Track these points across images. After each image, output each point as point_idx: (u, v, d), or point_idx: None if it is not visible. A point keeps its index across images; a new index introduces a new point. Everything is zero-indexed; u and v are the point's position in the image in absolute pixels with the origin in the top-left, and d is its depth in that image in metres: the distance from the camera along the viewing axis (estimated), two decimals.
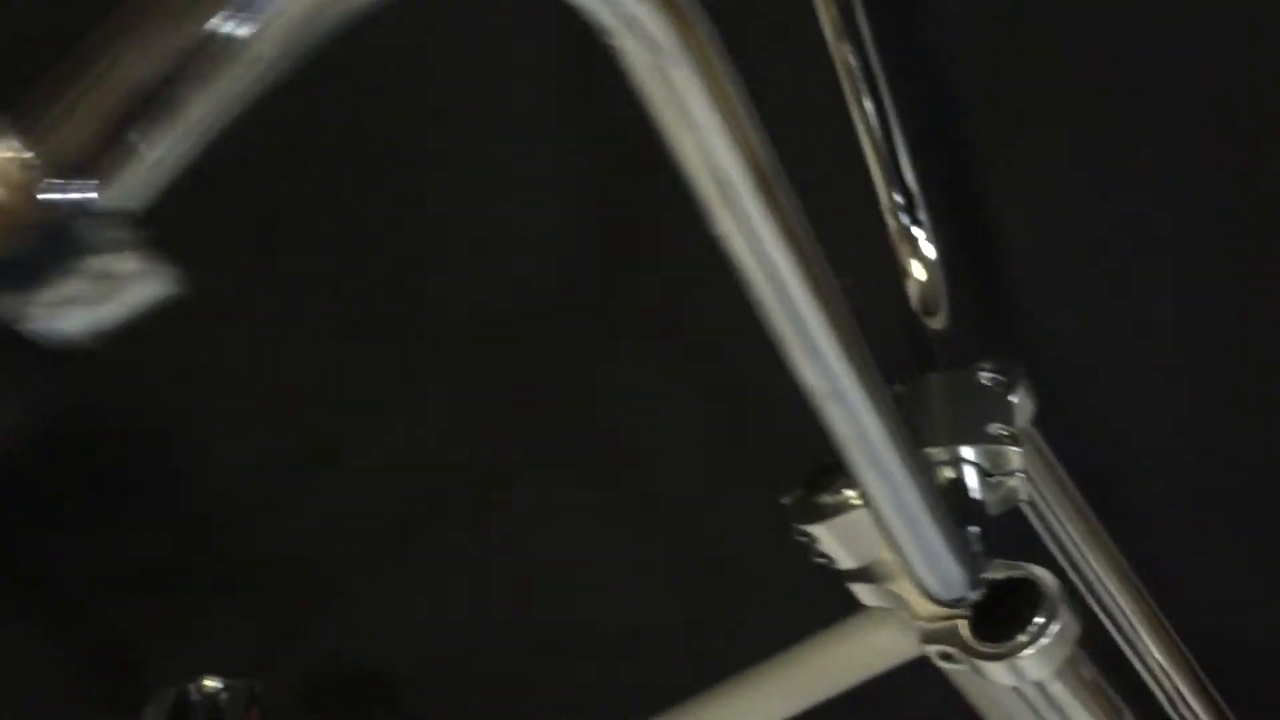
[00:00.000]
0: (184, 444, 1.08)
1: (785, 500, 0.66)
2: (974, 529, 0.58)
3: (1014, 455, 0.61)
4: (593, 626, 1.13)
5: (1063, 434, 0.72)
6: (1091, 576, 0.74)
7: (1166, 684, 0.77)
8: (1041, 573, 0.59)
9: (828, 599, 0.65)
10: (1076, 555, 0.74)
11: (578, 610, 1.13)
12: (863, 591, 0.66)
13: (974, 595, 0.58)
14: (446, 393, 1.04)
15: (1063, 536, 0.73)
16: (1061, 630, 0.58)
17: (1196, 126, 0.78)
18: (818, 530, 0.65)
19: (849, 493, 0.64)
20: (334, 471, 1.09)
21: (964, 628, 0.59)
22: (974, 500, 0.61)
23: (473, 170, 0.92)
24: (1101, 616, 0.76)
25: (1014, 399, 0.68)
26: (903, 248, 0.68)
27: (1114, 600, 0.75)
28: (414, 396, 1.05)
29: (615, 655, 1.13)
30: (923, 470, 0.53)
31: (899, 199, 0.68)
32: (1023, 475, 0.62)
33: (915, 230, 0.68)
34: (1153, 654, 0.77)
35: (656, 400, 1.04)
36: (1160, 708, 0.79)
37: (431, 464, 1.09)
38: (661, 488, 1.08)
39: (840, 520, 0.63)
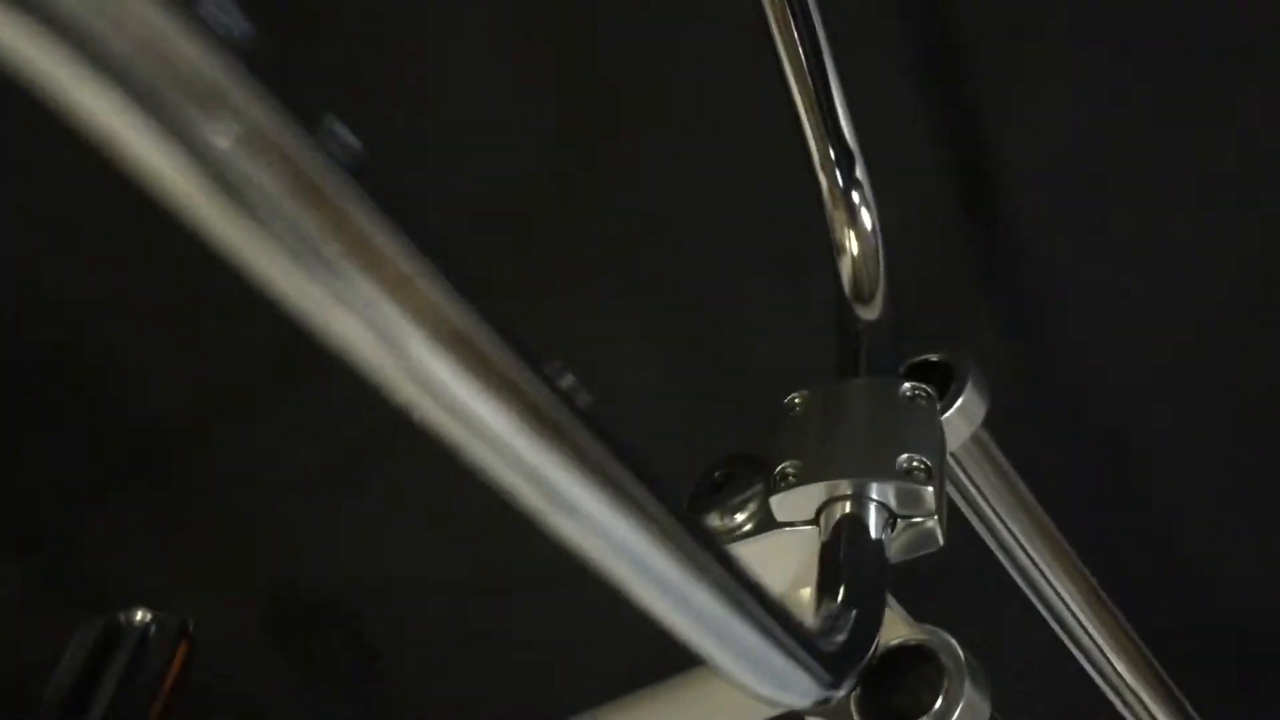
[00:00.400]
0: (130, 363, 1.02)
1: None
2: (836, 610, 0.48)
3: (927, 495, 0.51)
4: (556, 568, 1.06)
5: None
6: (1050, 593, 0.64)
7: (1136, 706, 0.68)
8: (942, 643, 0.49)
9: None
10: (1033, 572, 0.63)
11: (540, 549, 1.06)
12: None
13: (840, 692, 0.48)
14: None
15: (1016, 551, 0.63)
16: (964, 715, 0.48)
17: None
18: None
19: (738, 516, 0.54)
20: (288, 393, 1.02)
21: (853, 707, 0.49)
22: (872, 543, 0.51)
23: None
24: (1063, 636, 0.66)
25: (950, 415, 0.57)
26: (835, 215, 0.56)
27: (1076, 618, 0.65)
28: None
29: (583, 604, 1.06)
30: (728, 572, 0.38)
31: (832, 153, 0.56)
32: (935, 519, 0.51)
33: (852, 194, 0.56)
34: (1120, 675, 0.66)
35: (624, 339, 0.96)
36: None
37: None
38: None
39: (743, 548, 0.54)
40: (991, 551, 0.63)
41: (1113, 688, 0.67)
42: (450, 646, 1.13)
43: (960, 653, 0.49)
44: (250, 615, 1.12)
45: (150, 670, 0.93)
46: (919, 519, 0.52)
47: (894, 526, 0.52)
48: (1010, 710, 0.66)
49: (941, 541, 0.52)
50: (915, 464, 0.51)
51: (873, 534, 0.51)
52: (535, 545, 1.11)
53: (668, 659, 0.95)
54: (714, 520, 0.55)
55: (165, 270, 0.93)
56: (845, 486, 0.51)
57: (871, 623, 0.49)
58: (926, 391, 0.54)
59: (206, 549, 1.10)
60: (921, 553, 0.53)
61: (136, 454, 1.06)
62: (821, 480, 0.52)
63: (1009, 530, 0.62)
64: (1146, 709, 0.67)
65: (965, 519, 0.62)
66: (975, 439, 0.60)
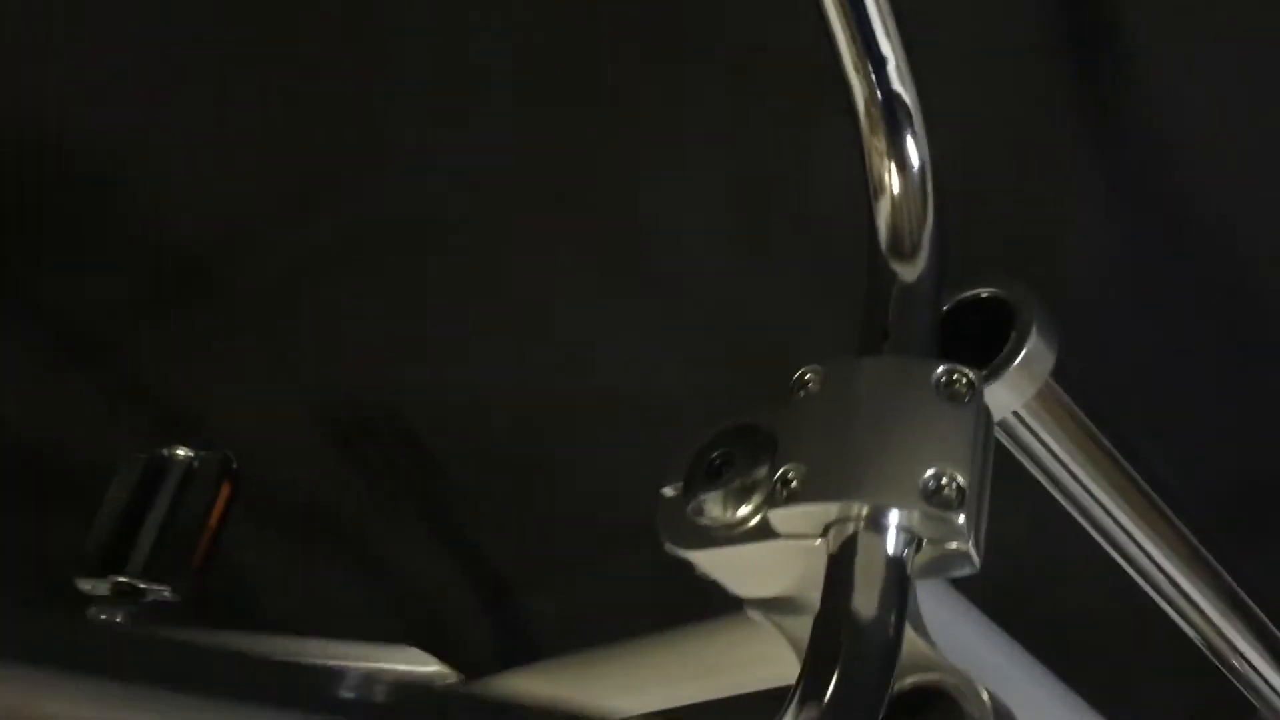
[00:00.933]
0: (164, 188, 0.96)
1: (665, 492, 0.49)
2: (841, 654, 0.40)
3: (958, 523, 0.41)
4: (610, 390, 1.00)
5: None
6: (1134, 551, 0.55)
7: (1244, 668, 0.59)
8: (968, 688, 0.41)
9: None
10: (1113, 530, 0.54)
11: (590, 374, 1.00)
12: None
13: None
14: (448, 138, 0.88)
15: (1094, 510, 0.53)
16: None
17: None
18: (699, 558, 0.47)
19: (742, 510, 0.46)
20: (325, 212, 0.96)
21: None
22: (888, 568, 0.42)
23: None
24: (1157, 599, 0.57)
25: (1009, 374, 0.47)
26: (872, 141, 0.45)
27: (1168, 578, 0.56)
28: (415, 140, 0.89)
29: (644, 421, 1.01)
30: None
31: (869, 56, 0.44)
32: (970, 546, 0.42)
33: (895, 111, 0.44)
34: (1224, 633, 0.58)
35: (679, 171, 0.86)
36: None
37: (431, 210, 0.94)
38: (685, 262, 0.91)
39: (741, 550, 0.46)
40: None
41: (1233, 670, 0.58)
42: (511, 458, 1.09)
43: (987, 701, 0.41)
44: (307, 426, 1.09)
45: (195, 507, 0.90)
46: (949, 544, 0.42)
47: (918, 546, 0.43)
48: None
49: (977, 566, 0.43)
50: (944, 482, 0.42)
51: (889, 552, 0.42)
52: (594, 362, 1.05)
53: None
54: (714, 511, 0.47)
55: (193, 97, 0.85)
56: (857, 508, 0.42)
57: (884, 664, 0.41)
58: (967, 377, 0.43)
59: (258, 364, 1.06)
60: (952, 575, 0.44)
61: (180, 274, 1.01)
62: (829, 500, 0.43)
63: (1090, 494, 0.52)
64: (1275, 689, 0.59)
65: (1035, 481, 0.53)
66: (1042, 391, 0.50)
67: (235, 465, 0.92)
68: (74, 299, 1.02)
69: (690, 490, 0.47)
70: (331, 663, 0.70)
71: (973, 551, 0.42)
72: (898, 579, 0.42)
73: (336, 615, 1.16)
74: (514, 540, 1.14)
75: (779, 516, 0.44)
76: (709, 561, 0.47)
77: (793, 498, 0.43)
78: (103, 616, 0.85)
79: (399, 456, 1.10)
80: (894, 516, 0.42)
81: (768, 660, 0.53)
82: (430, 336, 1.03)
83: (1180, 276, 0.82)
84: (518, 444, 1.08)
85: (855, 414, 0.44)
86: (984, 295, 0.50)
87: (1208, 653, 0.59)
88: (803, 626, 0.49)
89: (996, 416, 0.49)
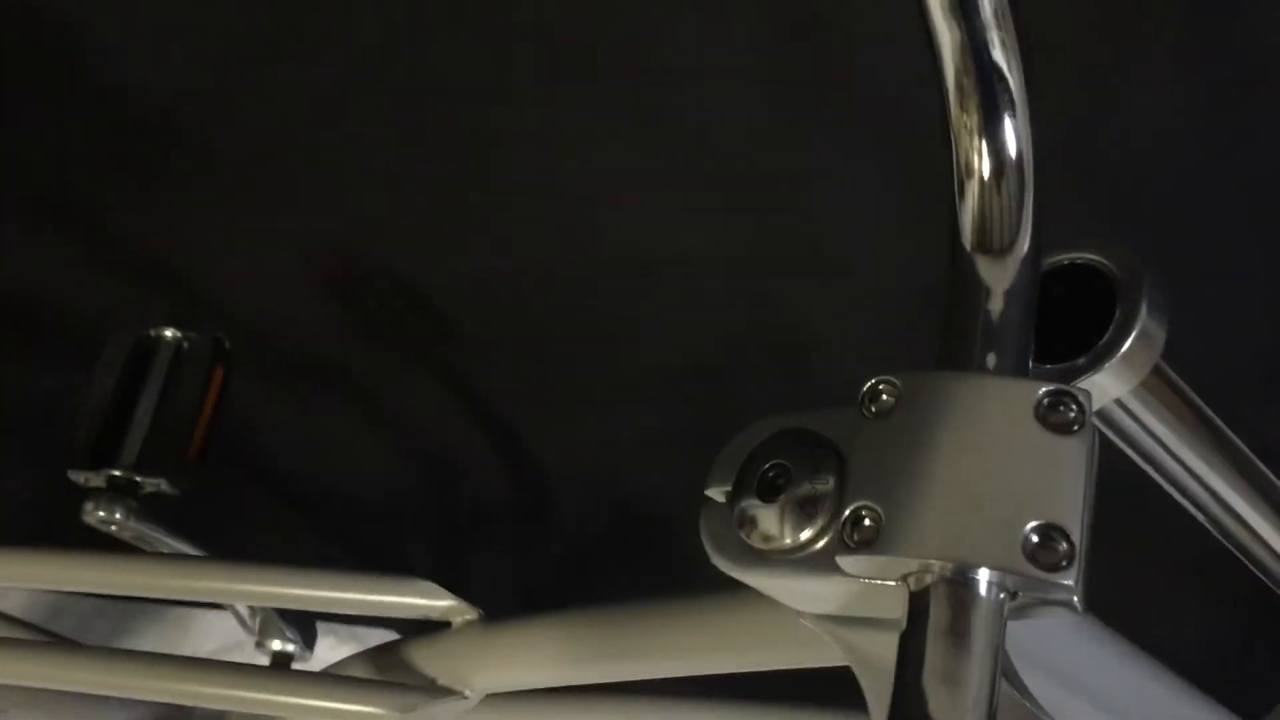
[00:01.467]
0: (132, 43, 0.87)
1: (709, 494, 0.42)
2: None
3: (1063, 582, 0.35)
4: (627, 246, 0.93)
5: None
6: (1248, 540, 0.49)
7: None
8: None
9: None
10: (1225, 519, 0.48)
11: (605, 229, 0.92)
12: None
13: None
14: None
15: (1204, 500, 0.47)
16: None
17: None
18: (751, 579, 0.41)
19: (804, 533, 0.39)
20: (313, 64, 0.87)
21: None
22: (985, 609, 0.36)
23: None
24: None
25: (1114, 363, 0.40)
26: (963, 121, 0.36)
27: None
28: None
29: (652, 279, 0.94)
30: None
31: (969, 25, 0.35)
32: (1074, 599, 0.36)
33: (995, 90, 0.36)
34: None
35: (704, 13, 0.77)
36: None
37: (431, 57, 0.85)
38: (709, 115, 0.82)
39: (809, 580, 0.40)
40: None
41: None
42: (523, 313, 1.03)
43: None
44: (307, 283, 1.02)
45: (188, 393, 0.84)
46: (1040, 603, 0.36)
47: (1014, 596, 0.37)
48: None
49: (1080, 611, 0.37)
50: (1053, 539, 0.35)
51: (981, 602, 0.36)
52: (609, 217, 0.97)
53: (745, 339, 0.85)
54: (768, 529, 0.40)
55: None
56: (943, 567, 0.36)
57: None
58: (1077, 403, 0.36)
59: (250, 220, 0.98)
60: (1047, 618, 0.38)
61: (161, 130, 0.92)
62: (911, 556, 0.36)
63: (1202, 483, 0.46)
64: None
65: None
66: (1157, 377, 0.43)
67: (228, 345, 0.86)
68: (47, 157, 0.94)
69: (740, 499, 0.41)
70: (342, 595, 0.65)
71: (1077, 604, 0.36)
72: (990, 627, 0.36)
73: (347, 470, 1.12)
74: (527, 394, 1.08)
75: (849, 562, 0.37)
76: (760, 583, 0.41)
77: (866, 545, 0.37)
78: (100, 513, 0.80)
79: (405, 312, 1.04)
80: (986, 575, 0.36)
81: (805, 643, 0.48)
82: (431, 191, 0.95)
83: None
84: (529, 300, 1.01)
85: (939, 444, 0.37)
86: (1076, 262, 0.43)
87: None
88: (865, 640, 0.44)
89: (1097, 406, 0.42)
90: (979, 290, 0.37)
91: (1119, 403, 0.43)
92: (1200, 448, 0.45)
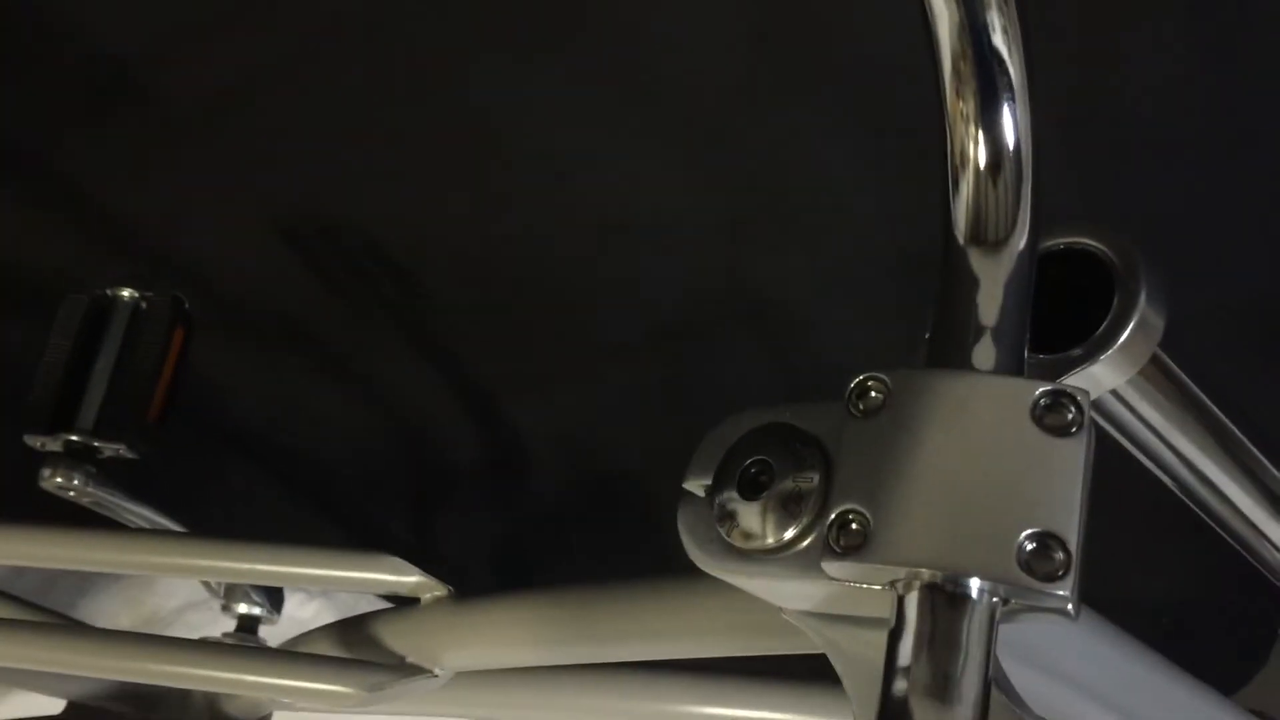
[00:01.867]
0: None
1: (688, 487, 0.41)
2: None
3: (1058, 592, 0.34)
4: (601, 207, 0.90)
5: None
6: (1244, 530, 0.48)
7: None
8: None
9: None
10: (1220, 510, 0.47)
11: (579, 190, 0.90)
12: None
13: None
14: None
15: (1199, 490, 0.46)
16: None
17: None
18: (731, 577, 0.40)
19: (788, 532, 0.38)
20: (273, 17, 0.84)
21: None
22: (975, 615, 0.35)
23: None
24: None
25: (1111, 354, 0.38)
26: (958, 108, 0.34)
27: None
28: None
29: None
30: None
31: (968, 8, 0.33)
32: (1069, 606, 0.34)
33: (994, 77, 0.34)
34: None
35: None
36: None
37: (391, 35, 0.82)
38: (688, 73, 0.79)
39: (792, 580, 0.38)
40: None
41: None
42: (493, 273, 1.00)
43: None
44: (270, 240, 1.00)
45: (147, 354, 0.82)
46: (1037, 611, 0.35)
47: (1006, 603, 0.35)
48: None
49: (1075, 619, 0.35)
50: (1047, 546, 0.34)
51: (971, 608, 0.35)
52: (583, 177, 0.95)
53: (721, 304, 0.84)
54: (749, 526, 0.39)
55: None
56: (933, 574, 0.34)
57: None
58: (1073, 401, 0.35)
59: (209, 176, 0.95)
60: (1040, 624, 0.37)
61: (115, 87, 0.89)
62: (900, 563, 0.35)
63: (1198, 473, 0.44)
64: None
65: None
66: (1155, 368, 0.41)
67: (188, 305, 0.83)
68: (3, 114, 0.91)
69: (720, 495, 0.39)
70: (307, 571, 0.63)
71: (1072, 612, 0.35)
72: (981, 635, 0.35)
73: (316, 434, 1.10)
74: (500, 357, 1.06)
75: (835, 567, 0.36)
76: (740, 580, 0.40)
77: (853, 551, 0.35)
78: (58, 479, 0.78)
79: (373, 274, 1.01)
80: (977, 584, 0.34)
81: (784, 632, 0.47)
82: (400, 152, 0.92)
83: None
84: (502, 262, 0.99)
85: (930, 446, 0.35)
86: (1072, 247, 0.41)
87: None
88: (848, 637, 0.42)
89: (1093, 395, 0.41)
90: (973, 284, 0.35)
91: (1115, 393, 0.42)
92: (1197, 437, 0.44)
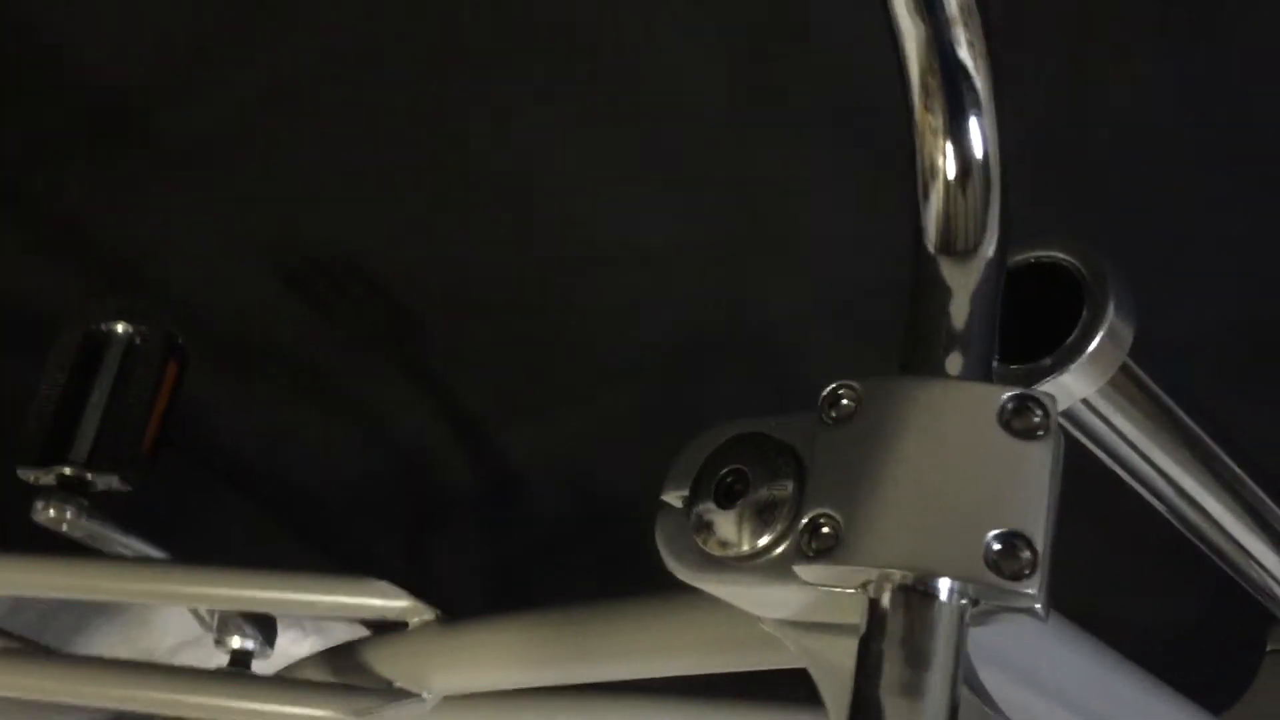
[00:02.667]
0: (79, 34, 0.84)
1: (666, 499, 0.41)
2: None
3: (1025, 591, 0.34)
4: (593, 235, 0.92)
5: None
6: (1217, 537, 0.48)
7: None
8: None
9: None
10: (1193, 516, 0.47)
11: (573, 218, 0.91)
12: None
13: None
14: None
15: (1172, 498, 0.46)
16: None
17: None
18: (716, 587, 0.40)
19: (762, 539, 0.38)
20: (266, 51, 0.85)
21: None
22: (944, 616, 0.35)
23: None
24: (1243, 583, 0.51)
25: (1079, 364, 0.39)
26: (927, 121, 0.35)
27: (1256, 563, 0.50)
28: None
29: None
30: None
31: (934, 19, 0.34)
32: (1038, 607, 0.35)
33: (961, 90, 0.34)
34: None
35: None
36: None
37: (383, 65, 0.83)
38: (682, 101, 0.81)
39: (767, 587, 0.38)
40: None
41: None
42: (487, 303, 1.01)
43: None
44: (264, 273, 1.01)
45: (140, 387, 0.82)
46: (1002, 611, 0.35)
47: (975, 604, 0.36)
48: None
49: (1044, 619, 0.36)
50: (1016, 547, 0.34)
51: (941, 610, 0.35)
52: (577, 206, 0.95)
53: (713, 333, 0.84)
54: (726, 535, 0.39)
55: None
56: (903, 575, 0.35)
57: None
58: (1042, 408, 0.35)
59: (201, 208, 0.96)
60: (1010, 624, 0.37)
61: (108, 120, 0.90)
62: (870, 565, 0.35)
63: (1170, 481, 0.45)
64: None
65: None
66: (1124, 376, 0.42)
67: (181, 340, 0.84)
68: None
69: (697, 505, 0.40)
70: (296, 596, 0.64)
71: (1040, 612, 0.35)
72: (950, 635, 0.35)
73: (309, 462, 1.10)
74: (492, 385, 1.07)
75: (807, 571, 0.36)
76: (717, 589, 0.40)
77: (825, 554, 0.36)
78: (50, 512, 0.78)
79: (365, 302, 1.02)
80: (946, 585, 0.35)
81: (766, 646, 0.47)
82: (391, 181, 0.93)
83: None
84: (494, 290, 1.00)
85: (900, 450, 0.36)
86: (1042, 260, 0.42)
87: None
88: (824, 645, 0.43)
89: (1062, 406, 0.41)
90: (943, 293, 0.36)
91: (1085, 402, 0.42)
92: (1168, 446, 0.44)
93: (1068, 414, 0.43)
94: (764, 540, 0.38)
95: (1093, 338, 0.40)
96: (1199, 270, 0.82)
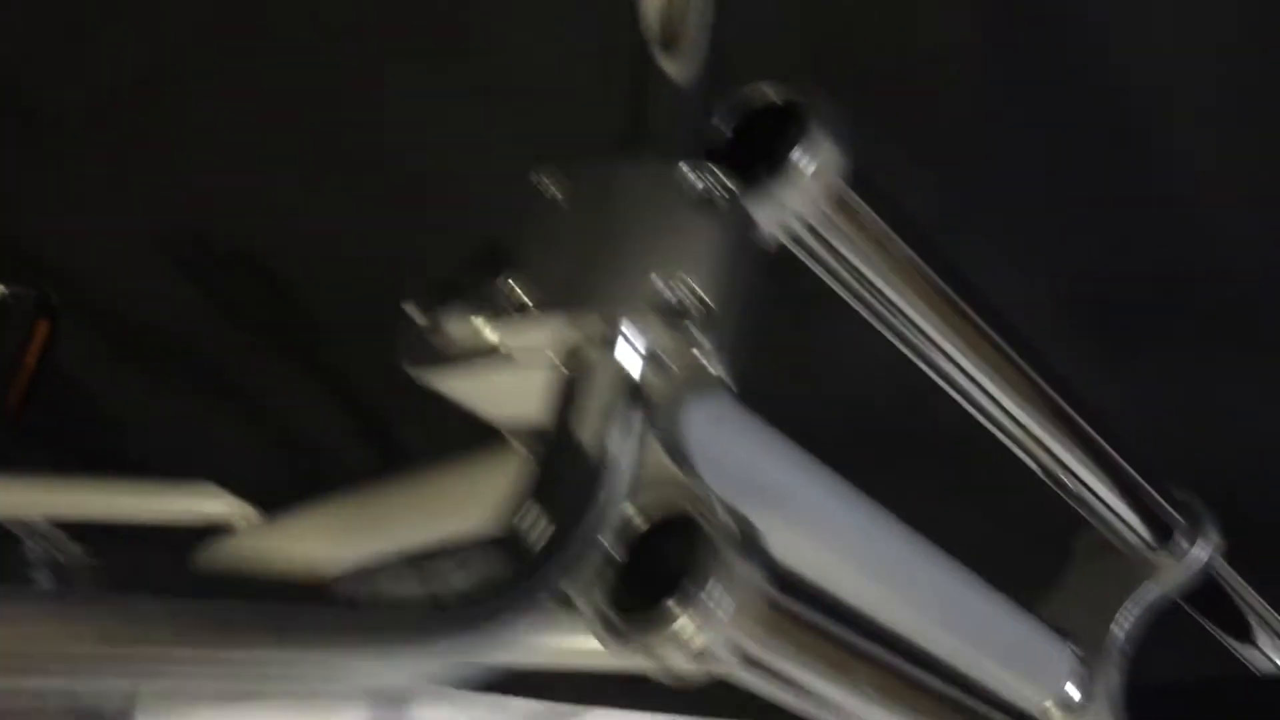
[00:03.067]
0: None
1: (408, 310, 0.44)
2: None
3: (691, 335, 0.37)
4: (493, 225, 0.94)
5: None
6: (946, 365, 0.51)
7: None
8: (706, 513, 0.37)
9: None
10: (921, 343, 0.50)
11: (469, 209, 0.94)
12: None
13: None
14: None
15: (899, 324, 0.49)
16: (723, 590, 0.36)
17: None
18: (438, 381, 0.42)
19: (478, 325, 0.40)
20: (140, 29, 0.88)
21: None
22: (625, 380, 0.37)
23: None
24: (979, 417, 0.53)
25: (789, 185, 0.42)
26: None
27: (986, 393, 0.52)
28: None
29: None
30: None
31: None
32: (717, 368, 0.37)
33: None
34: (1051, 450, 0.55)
35: None
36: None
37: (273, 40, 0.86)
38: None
39: (479, 372, 0.41)
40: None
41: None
42: (368, 284, 1.03)
43: (730, 524, 0.37)
44: (153, 255, 1.02)
45: (9, 345, 0.84)
46: (695, 360, 0.38)
47: (665, 370, 0.38)
48: None
49: (730, 385, 0.38)
50: (677, 288, 0.37)
51: (624, 372, 0.38)
52: (457, 191, 0.96)
53: None
54: (453, 330, 0.42)
55: None
56: (589, 324, 0.37)
57: (605, 493, 0.37)
58: (721, 181, 0.38)
59: (81, 183, 0.99)
60: (708, 395, 0.39)
61: None
62: (553, 312, 0.38)
63: (895, 308, 0.47)
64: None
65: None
66: (836, 199, 0.45)
67: (55, 301, 0.86)
68: None
69: (426, 307, 0.42)
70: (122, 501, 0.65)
71: (718, 367, 0.38)
72: (629, 399, 0.37)
73: (198, 449, 1.11)
74: (386, 373, 1.08)
75: (506, 332, 0.39)
76: (450, 386, 0.43)
77: (515, 310, 0.38)
78: None
79: (250, 284, 1.04)
80: (628, 332, 0.37)
81: None
82: (277, 160, 0.96)
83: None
84: (385, 275, 1.02)
85: (596, 222, 0.39)
86: (772, 102, 0.45)
87: (1036, 469, 0.56)
88: None
89: (780, 224, 0.44)
90: (656, 80, 0.39)
91: (810, 228, 0.45)
92: (892, 278, 0.47)
93: (796, 239, 0.45)
94: (480, 326, 0.41)
95: (799, 156, 0.43)
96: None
